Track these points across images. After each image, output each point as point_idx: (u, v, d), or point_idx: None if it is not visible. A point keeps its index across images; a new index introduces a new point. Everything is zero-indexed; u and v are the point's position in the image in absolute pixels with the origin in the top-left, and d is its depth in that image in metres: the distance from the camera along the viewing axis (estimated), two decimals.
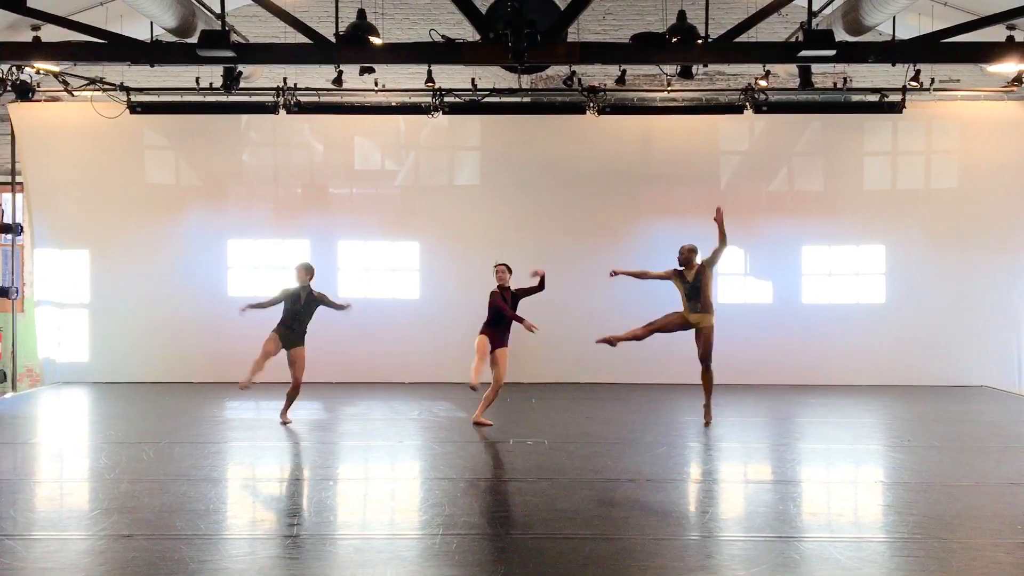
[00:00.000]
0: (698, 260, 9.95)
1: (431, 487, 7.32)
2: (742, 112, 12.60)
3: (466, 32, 10.63)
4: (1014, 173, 13.06)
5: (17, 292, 13.19)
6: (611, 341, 10.00)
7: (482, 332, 9.91)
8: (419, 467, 8.32)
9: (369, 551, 5.64)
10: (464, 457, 8.31)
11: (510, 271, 10.06)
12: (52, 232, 13.29)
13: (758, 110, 12.46)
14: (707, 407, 10.00)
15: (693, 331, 9.93)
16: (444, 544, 5.65)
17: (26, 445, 9.26)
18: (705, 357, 9.94)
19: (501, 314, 9.86)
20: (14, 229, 13.16)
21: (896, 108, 12.35)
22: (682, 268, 9.98)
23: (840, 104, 12.85)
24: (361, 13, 9.84)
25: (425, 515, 6.42)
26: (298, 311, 9.83)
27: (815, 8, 9.49)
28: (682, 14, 9.84)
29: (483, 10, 9.15)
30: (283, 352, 9.83)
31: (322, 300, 9.96)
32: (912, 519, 6.32)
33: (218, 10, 9.13)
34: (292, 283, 9.93)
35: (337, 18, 9.71)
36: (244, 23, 12.68)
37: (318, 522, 6.33)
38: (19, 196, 13.32)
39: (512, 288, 10.01)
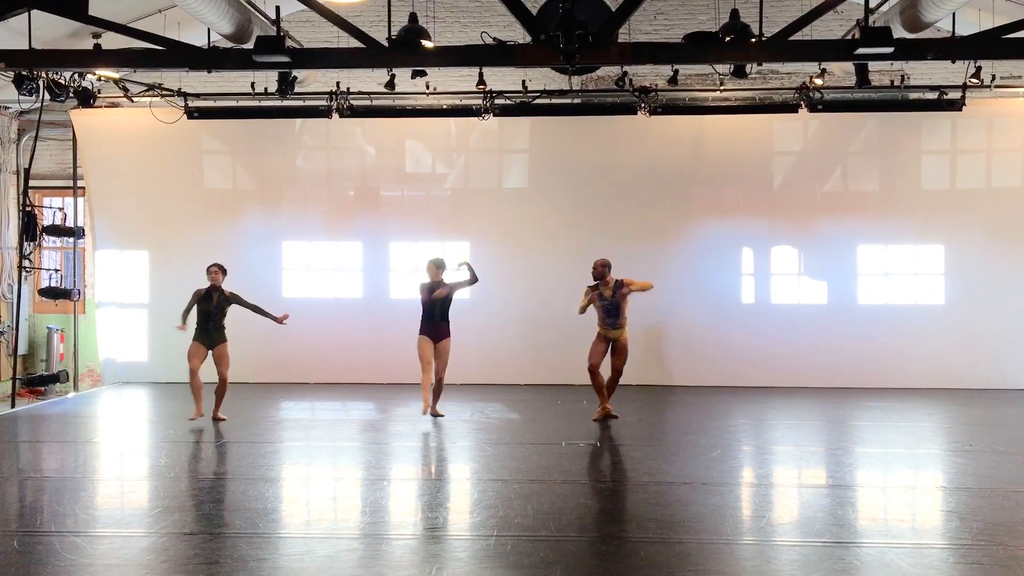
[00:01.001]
0: (612, 275, 10.00)
1: (484, 488, 7.33)
2: (796, 111, 12.43)
3: (516, 34, 10.64)
4: None
5: (79, 294, 13.51)
6: (608, 414, 10.08)
7: (422, 333, 10.01)
8: (472, 468, 8.34)
9: (423, 551, 5.68)
10: (516, 459, 8.32)
11: (439, 268, 10.15)
12: (113, 235, 13.59)
13: (813, 109, 12.28)
14: (602, 406, 10.09)
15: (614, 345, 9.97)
16: (499, 545, 5.66)
17: (88, 444, 9.48)
18: (620, 368, 10.01)
19: (434, 307, 9.96)
20: (76, 232, 13.48)
21: (956, 106, 12.08)
22: (597, 283, 9.94)
23: (897, 102, 12.61)
24: (413, 17, 9.91)
25: (479, 516, 6.43)
26: (210, 311, 10.01)
27: (872, 5, 9.32)
28: (735, 12, 9.74)
29: (534, 11, 9.14)
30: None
31: (234, 299, 10.09)
32: (976, 525, 6.18)
33: (273, 16, 9.25)
34: (204, 284, 10.15)
35: (389, 22, 9.78)
36: (298, 28, 12.83)
37: (373, 522, 6.38)
38: (81, 200, 13.64)
39: (446, 282, 10.10)
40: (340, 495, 7.38)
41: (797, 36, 9.19)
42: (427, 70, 11.32)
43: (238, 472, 7.97)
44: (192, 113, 12.88)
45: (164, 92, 12.60)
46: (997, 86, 11.89)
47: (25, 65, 9.86)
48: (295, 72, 11.30)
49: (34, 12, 9.04)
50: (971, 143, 12.95)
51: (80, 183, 13.60)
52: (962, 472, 7.93)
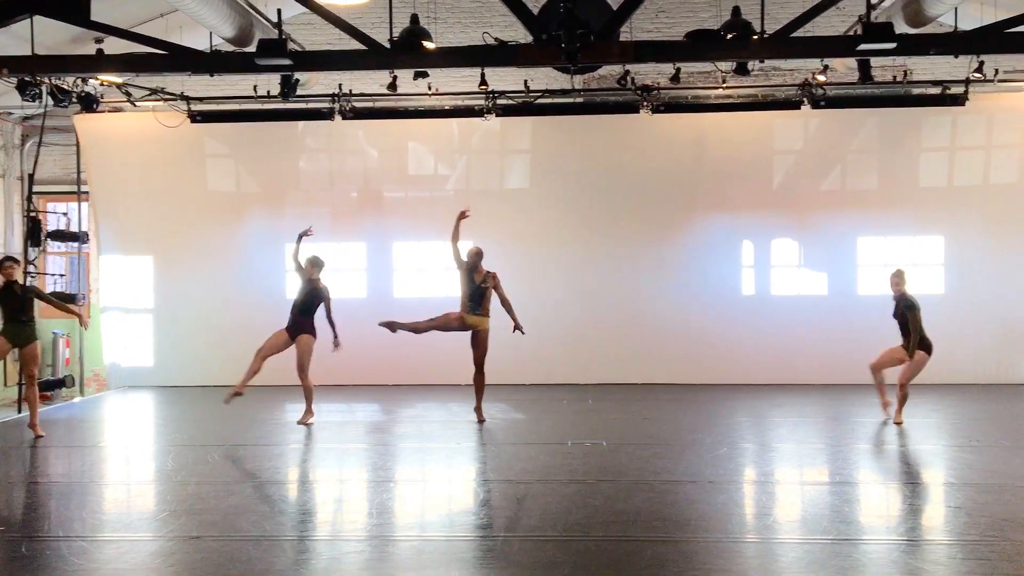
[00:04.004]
0: (484, 266, 10.05)
1: (491, 488, 7.34)
2: (799, 108, 12.41)
3: (518, 34, 10.62)
4: None
5: (84, 298, 13.53)
6: (391, 326, 10.11)
7: (288, 328, 10.06)
8: (477, 469, 8.34)
9: (430, 552, 5.68)
10: (523, 459, 8.32)
11: (314, 265, 10.21)
12: (117, 239, 13.62)
13: (816, 105, 12.27)
14: (478, 409, 10.13)
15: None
16: (505, 546, 5.67)
17: (94, 448, 9.49)
18: (480, 361, 10.05)
19: (313, 306, 10.04)
20: (80, 237, 13.51)
21: (959, 101, 12.06)
22: (471, 268, 9.98)
23: (900, 97, 12.60)
24: (414, 18, 9.90)
25: (485, 517, 6.44)
26: (14, 307, 9.51)
27: (874, 1, 9.31)
28: (736, 10, 9.71)
29: (535, 11, 9.13)
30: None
31: (34, 292, 9.87)
32: (984, 520, 6.16)
33: (275, 19, 9.26)
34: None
35: (391, 23, 9.78)
36: (300, 31, 12.83)
37: (380, 524, 6.38)
38: (85, 205, 13.66)
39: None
40: (346, 497, 7.38)
41: (799, 32, 9.17)
42: (429, 71, 11.32)
43: (244, 475, 7.98)
44: (195, 117, 12.91)
45: (167, 96, 12.63)
46: (1000, 80, 11.87)
47: (28, 71, 9.89)
48: (297, 75, 11.31)
49: (36, 18, 9.04)
50: (971, 139, 12.92)
51: (84, 188, 13.62)
52: (968, 467, 7.91)
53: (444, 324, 10.13)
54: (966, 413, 10.65)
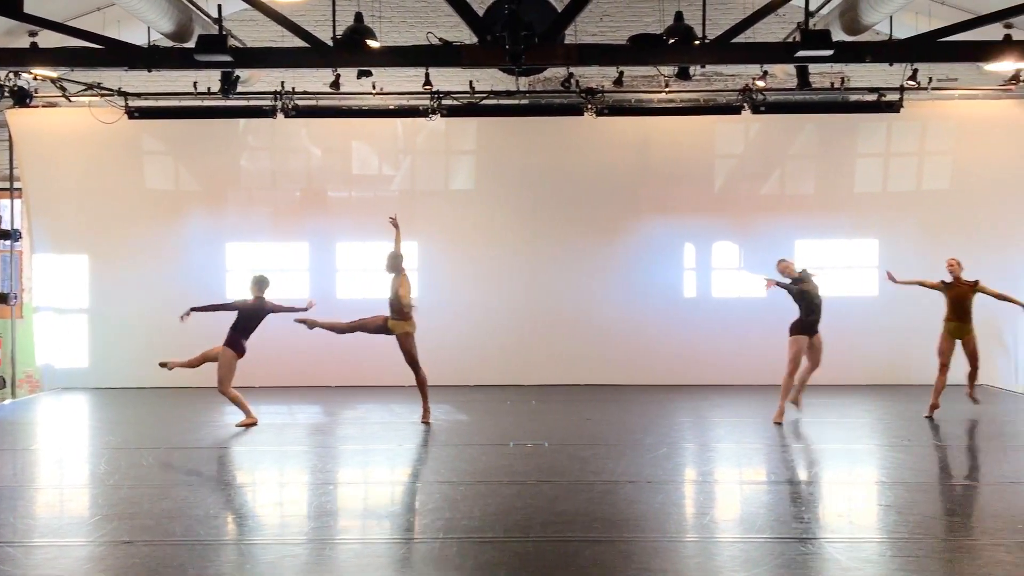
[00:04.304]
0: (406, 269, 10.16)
1: (431, 491, 7.32)
2: (740, 113, 12.58)
3: (463, 35, 10.61)
4: (1009, 172, 13.04)
5: (16, 298, 13.13)
6: (310, 324, 10.10)
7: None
8: (419, 470, 8.32)
9: (369, 555, 5.64)
10: (464, 460, 8.31)
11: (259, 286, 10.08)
12: (51, 238, 13.29)
13: (756, 110, 12.45)
14: (425, 410, 10.16)
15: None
16: (444, 548, 5.65)
17: (25, 451, 9.25)
18: (411, 363, 10.10)
19: (248, 325, 9.89)
20: (12, 235, 13.14)
21: (894, 107, 12.34)
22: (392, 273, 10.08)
23: (838, 104, 12.85)
24: (358, 16, 9.84)
25: (425, 519, 6.42)
26: None
27: (812, 8, 9.49)
28: (679, 15, 9.85)
29: (480, 12, 9.14)
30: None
31: None
32: (913, 519, 6.32)
33: (215, 14, 9.12)
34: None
35: (334, 21, 9.71)
36: (241, 27, 12.67)
37: (317, 527, 6.32)
38: (18, 202, 13.30)
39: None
40: (284, 500, 7.30)
41: (740, 39, 9.30)
42: (373, 70, 11.26)
43: (179, 479, 7.84)
44: (132, 113, 12.64)
45: (103, 92, 12.35)
46: (934, 88, 12.17)
47: None
48: (238, 72, 11.15)
49: None
50: (905, 146, 13.25)
51: (17, 185, 13.26)
52: (900, 467, 8.10)
53: (364, 325, 10.11)
54: (900, 413, 10.89)
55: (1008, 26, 10.64)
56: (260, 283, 10.06)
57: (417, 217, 13.48)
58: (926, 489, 7.16)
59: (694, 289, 13.49)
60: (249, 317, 9.92)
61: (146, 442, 9.20)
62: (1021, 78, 11.49)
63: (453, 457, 8.48)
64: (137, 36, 10.69)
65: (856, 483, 7.81)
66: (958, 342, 10.30)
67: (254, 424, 9.90)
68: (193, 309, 9.84)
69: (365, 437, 9.72)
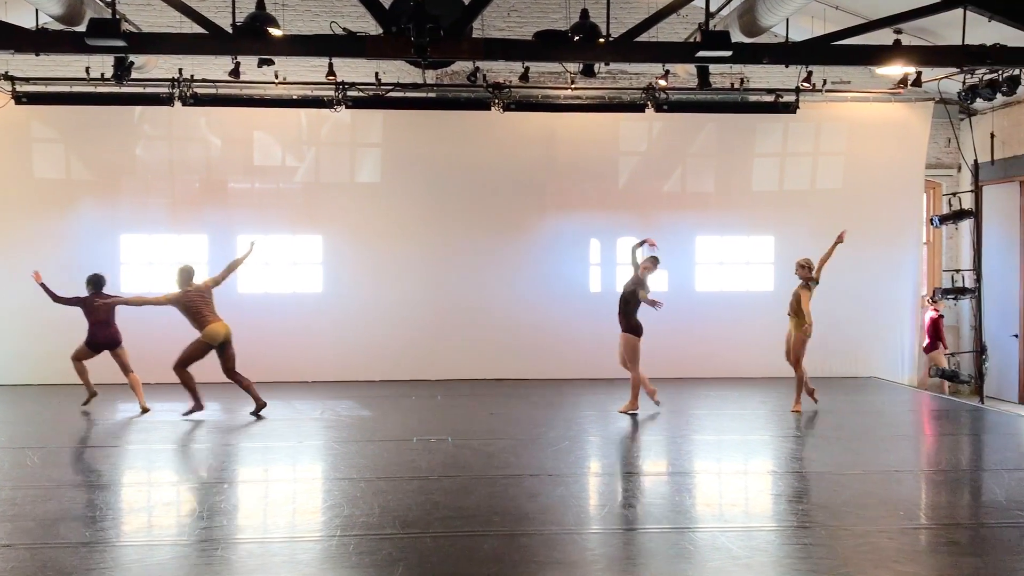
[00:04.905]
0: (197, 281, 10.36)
1: (331, 488, 7.23)
2: (643, 111, 12.75)
3: (369, 25, 10.50)
4: (897, 172, 13.59)
5: None
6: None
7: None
8: (320, 468, 8.20)
9: (265, 555, 5.52)
10: (366, 456, 8.23)
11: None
12: None
13: (659, 109, 12.64)
14: (255, 400, 10.30)
15: None
16: (341, 546, 5.58)
17: None
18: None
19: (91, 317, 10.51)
20: None
21: (790, 108, 12.70)
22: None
23: (737, 104, 13.16)
24: (260, 3, 9.60)
25: (324, 516, 6.33)
26: None
27: (713, 9, 9.68)
28: (585, 12, 9.91)
29: (386, 3, 9.04)
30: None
31: None
32: (802, 508, 6.53)
33: None
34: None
35: (234, 7, 9.47)
36: (137, 12, 12.27)
37: (211, 527, 6.16)
38: None
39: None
40: (178, 500, 7.09)
41: (643, 37, 9.44)
42: (275, 59, 11.01)
43: (66, 479, 7.54)
44: (20, 98, 12.07)
45: None
46: (828, 90, 12.57)
47: None
48: (133, 58, 10.76)
49: None
50: (800, 146, 13.69)
51: None
52: (791, 457, 8.37)
53: (190, 355, 10.06)
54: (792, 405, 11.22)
55: (898, 31, 11.11)
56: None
57: (321, 210, 13.31)
58: (815, 478, 7.40)
59: (599, 284, 13.65)
60: (87, 314, 10.41)
61: (31, 441, 8.83)
62: (909, 82, 11.95)
63: (354, 453, 8.38)
64: (24, 19, 10.22)
65: (750, 473, 8.03)
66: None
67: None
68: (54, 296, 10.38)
69: (265, 434, 9.53)
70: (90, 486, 7.23)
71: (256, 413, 10.18)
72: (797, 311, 10.44)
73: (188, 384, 10.01)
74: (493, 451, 8.36)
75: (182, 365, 10.00)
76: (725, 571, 5.22)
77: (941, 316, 13.67)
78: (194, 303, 10.07)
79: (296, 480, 7.80)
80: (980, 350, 12.98)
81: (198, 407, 10.05)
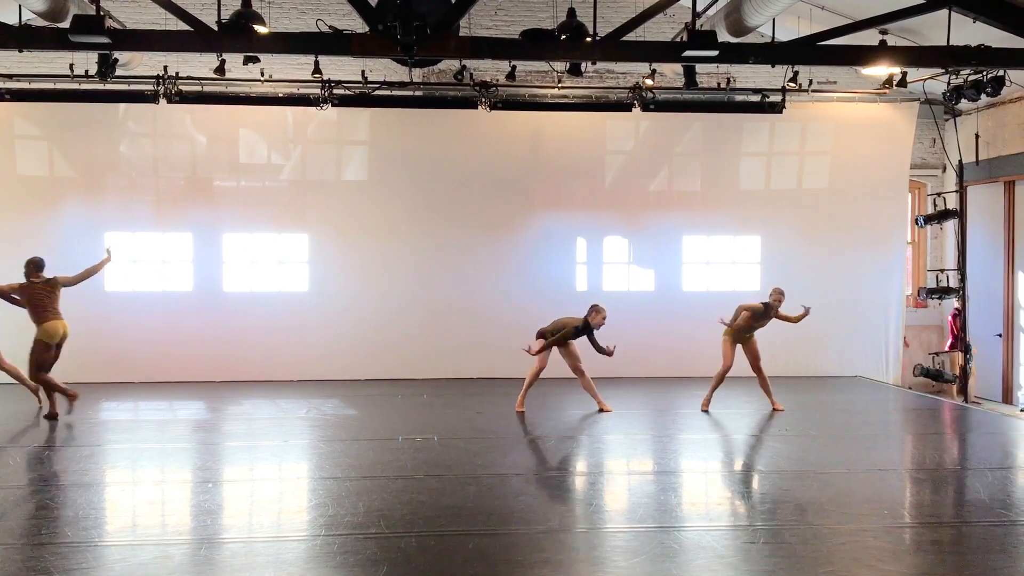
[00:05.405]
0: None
1: (316, 487, 7.21)
2: (630, 110, 12.75)
3: (355, 23, 10.47)
4: (882, 172, 13.65)
5: None
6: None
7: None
8: (305, 467, 8.17)
9: (249, 555, 5.50)
10: (351, 455, 8.20)
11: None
12: None
13: (646, 108, 12.65)
14: (51, 405, 10.00)
15: None
16: (326, 545, 5.56)
17: None
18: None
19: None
20: None
21: (776, 108, 12.73)
22: None
23: (724, 103, 13.18)
24: (246, 0, 9.57)
25: (309, 516, 6.31)
26: None
27: (699, 9, 9.70)
28: (572, 11, 9.93)
29: (373, 1, 9.02)
30: None
31: None
32: (787, 506, 6.55)
33: None
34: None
35: (219, 4, 9.43)
36: (122, 8, 12.20)
37: (197, 526, 6.13)
38: None
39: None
40: (163, 499, 7.06)
41: (630, 37, 9.46)
42: (261, 57, 10.97)
43: (49, 478, 7.49)
44: (3, 95, 11.96)
45: None
46: (814, 90, 12.61)
47: None
48: (117, 55, 10.71)
49: None
50: (786, 146, 13.73)
51: None
52: (777, 456, 8.39)
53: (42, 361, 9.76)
54: (781, 403, 11.26)
55: (883, 32, 11.15)
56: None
57: (308, 208, 13.26)
58: (799, 477, 7.42)
59: (585, 283, 13.66)
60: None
61: (14, 440, 8.75)
62: (895, 82, 12.01)
63: (340, 452, 8.36)
64: (8, 14, 10.13)
65: (735, 472, 8.05)
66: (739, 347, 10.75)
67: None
68: None
69: (250, 433, 9.50)
70: (71, 486, 7.17)
71: (49, 417, 9.77)
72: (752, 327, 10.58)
73: (53, 387, 9.70)
74: (479, 450, 8.35)
75: (39, 371, 9.68)
76: (710, 570, 5.24)
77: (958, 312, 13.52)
78: (38, 295, 9.77)
79: (281, 479, 7.77)
80: (965, 349, 13.04)
81: (54, 413, 9.78)
